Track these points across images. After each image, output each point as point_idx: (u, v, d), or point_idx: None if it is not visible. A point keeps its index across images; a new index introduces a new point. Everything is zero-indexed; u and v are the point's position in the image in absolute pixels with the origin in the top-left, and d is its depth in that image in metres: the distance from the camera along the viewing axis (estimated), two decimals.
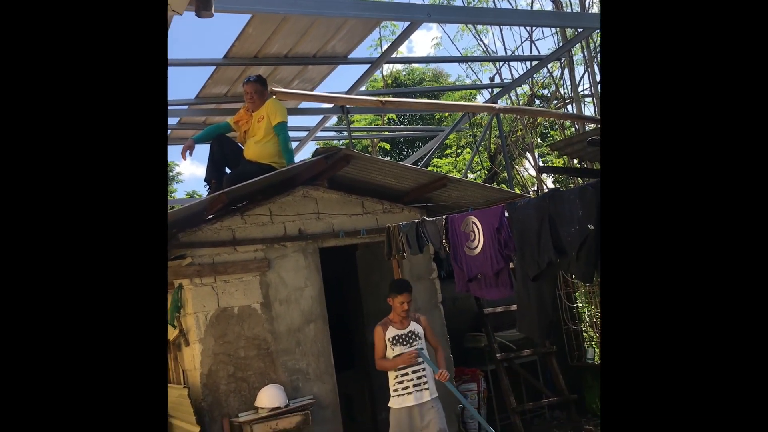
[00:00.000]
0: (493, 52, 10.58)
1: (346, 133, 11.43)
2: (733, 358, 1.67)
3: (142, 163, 1.72)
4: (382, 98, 2.94)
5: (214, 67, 6.31)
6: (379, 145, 13.97)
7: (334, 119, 10.28)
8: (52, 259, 1.59)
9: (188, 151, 5.89)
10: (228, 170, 5.93)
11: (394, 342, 4.49)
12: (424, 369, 4.47)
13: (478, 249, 3.65)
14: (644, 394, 1.75)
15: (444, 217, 4.03)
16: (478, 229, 3.64)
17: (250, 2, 4.74)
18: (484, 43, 10.79)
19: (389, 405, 4.53)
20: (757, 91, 1.70)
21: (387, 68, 14.20)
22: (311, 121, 8.83)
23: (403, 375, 4.44)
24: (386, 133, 13.15)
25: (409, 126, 14.62)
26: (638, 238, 1.79)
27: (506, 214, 3.54)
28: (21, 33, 1.60)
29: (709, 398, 1.68)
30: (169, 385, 5.62)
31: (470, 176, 11.31)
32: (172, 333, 5.32)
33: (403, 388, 4.43)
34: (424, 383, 4.45)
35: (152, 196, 1.72)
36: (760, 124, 1.69)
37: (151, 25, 1.75)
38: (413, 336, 4.53)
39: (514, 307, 6.41)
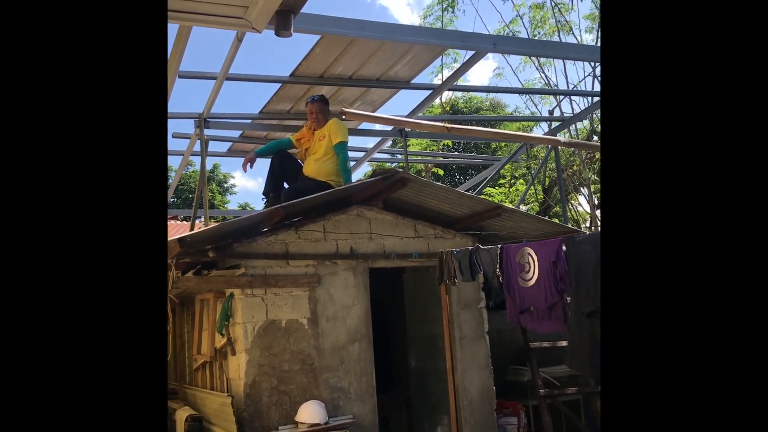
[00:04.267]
0: (555, 85, 10.53)
1: (400, 156, 11.52)
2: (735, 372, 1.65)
3: (142, 169, 1.69)
4: (447, 124, 2.98)
5: (280, 84, 6.47)
6: (433, 170, 14.01)
7: (389, 142, 10.38)
8: (51, 261, 1.59)
9: (249, 163, 6.05)
10: (286, 185, 6.05)
11: None
12: None
13: (533, 281, 3.62)
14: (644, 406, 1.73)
15: (499, 246, 4.02)
16: (534, 261, 3.61)
17: (322, 24, 4.87)
18: (545, 76, 10.77)
19: None
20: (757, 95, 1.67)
21: (445, 95, 14.29)
22: (367, 142, 8.95)
23: None
24: (441, 159, 13.19)
25: (463, 153, 14.62)
26: (640, 253, 1.77)
27: (563, 248, 3.51)
28: (21, 33, 1.61)
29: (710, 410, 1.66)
30: (212, 392, 5.71)
31: (523, 208, 11.23)
32: (220, 341, 5.42)
33: None
34: None
35: (152, 202, 1.70)
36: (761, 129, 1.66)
37: (152, 32, 1.75)
38: None
39: (562, 342, 6.32)
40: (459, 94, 15.73)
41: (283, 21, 2.65)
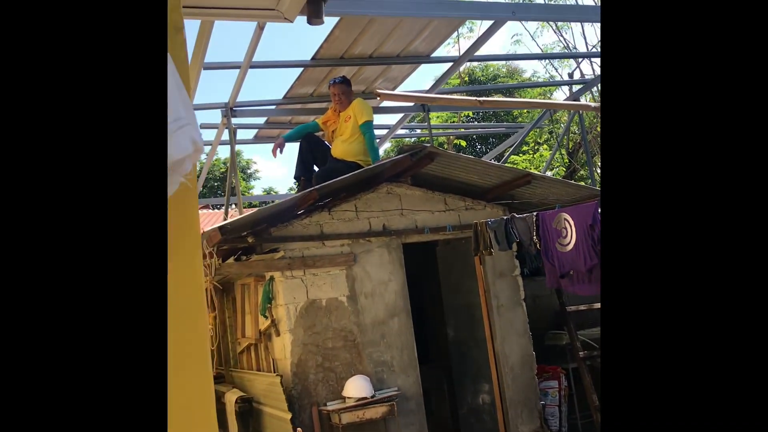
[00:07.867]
0: (574, 48, 10.43)
1: (419, 131, 11.53)
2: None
3: (142, 158, 1.69)
4: (480, 98, 3.03)
5: (302, 69, 6.52)
6: (455, 142, 13.99)
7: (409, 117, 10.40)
8: (50, 256, 1.59)
9: (279, 149, 6.15)
10: (316, 168, 6.15)
11: None
12: None
13: (571, 245, 3.68)
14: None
15: (534, 213, 4.08)
16: (571, 226, 3.67)
17: (340, 6, 4.90)
18: (564, 39, 10.67)
19: None
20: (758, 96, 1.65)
21: (462, 65, 14.20)
22: (389, 119, 8.97)
23: None
24: (462, 130, 13.16)
25: (483, 123, 14.57)
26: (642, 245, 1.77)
27: (599, 211, 3.56)
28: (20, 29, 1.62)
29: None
30: (259, 373, 5.88)
31: (549, 173, 11.20)
32: (263, 323, 5.57)
33: None
34: None
35: (152, 192, 1.70)
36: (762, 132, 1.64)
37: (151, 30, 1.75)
38: None
39: (597, 305, 6.37)
40: (475, 63, 15.63)
41: (314, 9, 2.71)
